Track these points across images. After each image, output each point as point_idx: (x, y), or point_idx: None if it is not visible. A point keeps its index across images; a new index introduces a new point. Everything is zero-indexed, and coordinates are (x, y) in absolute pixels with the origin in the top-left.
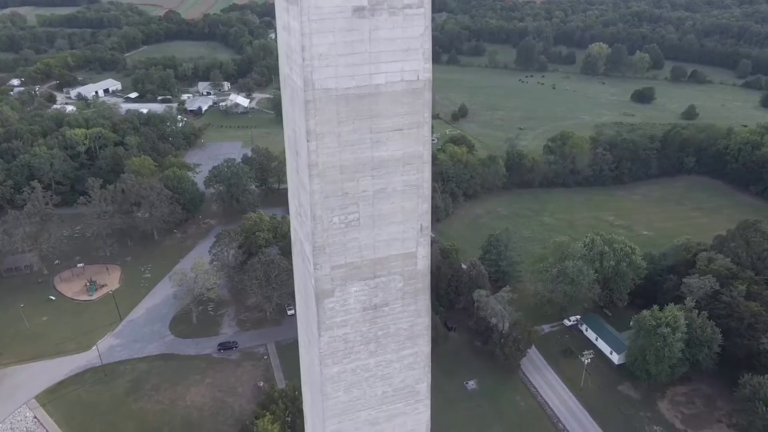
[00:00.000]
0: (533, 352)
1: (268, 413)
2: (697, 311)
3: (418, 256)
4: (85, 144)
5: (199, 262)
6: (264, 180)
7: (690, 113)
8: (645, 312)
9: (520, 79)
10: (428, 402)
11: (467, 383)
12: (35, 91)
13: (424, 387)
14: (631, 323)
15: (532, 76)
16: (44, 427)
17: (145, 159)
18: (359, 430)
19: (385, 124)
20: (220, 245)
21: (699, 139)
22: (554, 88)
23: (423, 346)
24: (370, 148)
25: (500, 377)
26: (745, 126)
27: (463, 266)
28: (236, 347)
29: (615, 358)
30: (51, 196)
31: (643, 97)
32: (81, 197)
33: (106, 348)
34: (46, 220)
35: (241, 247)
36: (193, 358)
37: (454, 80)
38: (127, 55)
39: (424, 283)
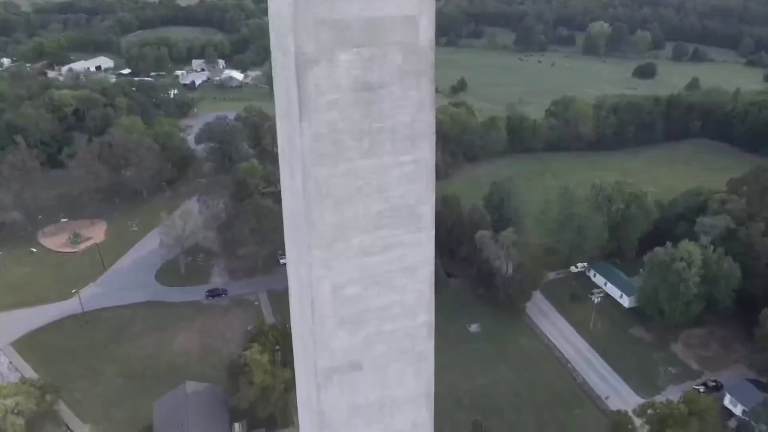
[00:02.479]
0: (539, 298)
1: (256, 344)
2: (713, 247)
3: (419, 24)
4: (72, 105)
5: (187, 209)
6: (258, 140)
7: (693, 87)
8: (658, 248)
9: (519, 58)
10: (432, 233)
11: (469, 326)
12: (26, 67)
13: (427, 211)
14: (641, 270)
15: (531, 55)
16: (20, 373)
17: (134, 119)
18: (351, 261)
19: None
20: (210, 193)
21: (705, 103)
22: (553, 65)
23: (426, 152)
24: None
25: (504, 321)
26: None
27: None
28: (225, 294)
29: (625, 301)
30: (36, 154)
31: (645, 72)
32: (65, 148)
33: (88, 297)
34: (29, 172)
35: (233, 197)
36: (180, 305)
37: (453, 60)
38: (121, 38)
39: (426, 63)
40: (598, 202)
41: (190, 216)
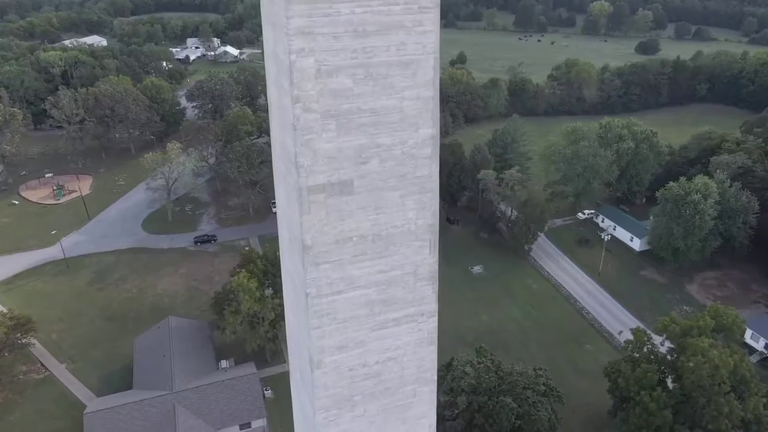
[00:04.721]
0: (545, 242)
1: (244, 270)
2: (729, 182)
3: None
4: (60, 66)
5: (171, 148)
6: (251, 100)
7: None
8: (672, 183)
9: (519, 38)
10: (437, 17)
11: (472, 268)
12: (15, 42)
13: (430, 16)
14: (651, 217)
15: (531, 35)
16: None
17: (123, 79)
18: (339, 40)
19: None
20: (199, 138)
21: (712, 65)
22: (553, 44)
23: None
24: None
25: (509, 263)
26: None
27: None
28: (215, 241)
29: (636, 244)
30: (20, 107)
31: (647, 48)
32: (50, 98)
33: (70, 244)
34: (10, 120)
35: (225, 144)
36: (167, 251)
37: (452, 39)
38: (114, 20)
39: None
40: (608, 140)
41: (177, 157)
